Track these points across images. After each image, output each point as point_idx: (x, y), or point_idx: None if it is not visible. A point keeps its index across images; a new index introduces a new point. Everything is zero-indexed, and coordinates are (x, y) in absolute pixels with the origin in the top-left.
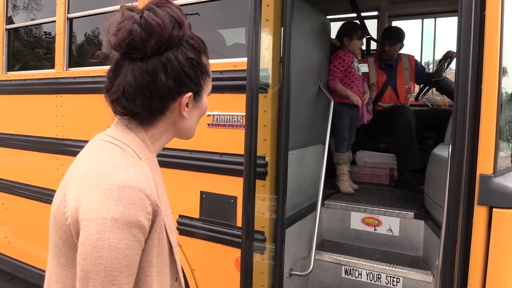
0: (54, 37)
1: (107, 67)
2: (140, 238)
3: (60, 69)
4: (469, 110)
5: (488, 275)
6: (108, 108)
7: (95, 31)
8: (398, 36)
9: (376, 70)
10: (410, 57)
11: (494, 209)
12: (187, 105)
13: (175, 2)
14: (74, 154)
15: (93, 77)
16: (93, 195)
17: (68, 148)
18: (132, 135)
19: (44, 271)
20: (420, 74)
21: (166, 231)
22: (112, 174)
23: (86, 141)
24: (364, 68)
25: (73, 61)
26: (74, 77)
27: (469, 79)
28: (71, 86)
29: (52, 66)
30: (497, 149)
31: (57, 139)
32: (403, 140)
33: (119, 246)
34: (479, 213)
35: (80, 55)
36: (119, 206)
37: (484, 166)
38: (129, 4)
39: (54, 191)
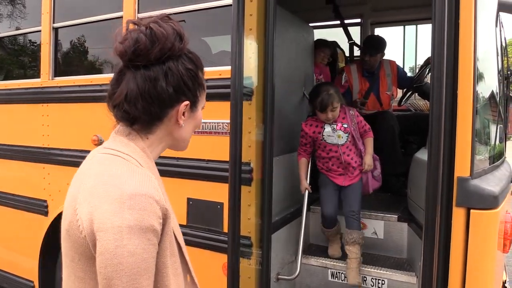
0: (39, 46)
1: (92, 76)
2: (155, 242)
3: (46, 78)
4: (446, 115)
5: (468, 274)
6: (110, 114)
7: (81, 40)
8: (377, 46)
9: (359, 78)
10: (391, 63)
11: (471, 210)
12: (183, 114)
13: (163, 11)
14: (61, 163)
15: (79, 86)
16: (105, 206)
17: (55, 157)
18: (132, 146)
19: (30, 280)
20: (402, 79)
21: (174, 233)
22: (120, 184)
23: (73, 150)
24: (335, 138)
25: (59, 70)
26: (60, 86)
27: (443, 85)
28: (57, 95)
29: (38, 76)
30: (473, 152)
31: (44, 148)
32: (387, 145)
33: (137, 251)
34: (458, 214)
35: (66, 64)
36: (133, 213)
37: (461, 168)
38: (134, 19)
39: (41, 200)
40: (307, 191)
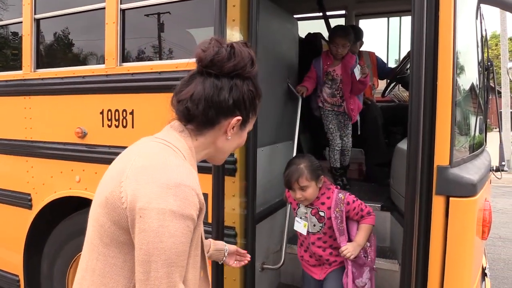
0: (21, 38)
1: (75, 68)
2: (192, 229)
3: (28, 71)
4: (425, 105)
5: (447, 260)
6: (171, 107)
7: (63, 32)
8: (356, 34)
9: None
10: (370, 54)
11: (451, 198)
12: (233, 127)
13: (146, 2)
14: (44, 156)
15: (62, 78)
16: (152, 188)
17: (38, 150)
18: (183, 142)
19: (15, 275)
20: (381, 69)
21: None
22: (169, 172)
23: (56, 143)
24: (308, 226)
25: (41, 62)
26: (42, 78)
27: (422, 77)
28: (39, 88)
29: (20, 68)
30: (453, 141)
31: (26, 141)
32: (370, 135)
33: (177, 233)
34: (437, 202)
35: (48, 56)
36: (177, 200)
37: (440, 157)
38: (218, 37)
39: (25, 194)
40: None
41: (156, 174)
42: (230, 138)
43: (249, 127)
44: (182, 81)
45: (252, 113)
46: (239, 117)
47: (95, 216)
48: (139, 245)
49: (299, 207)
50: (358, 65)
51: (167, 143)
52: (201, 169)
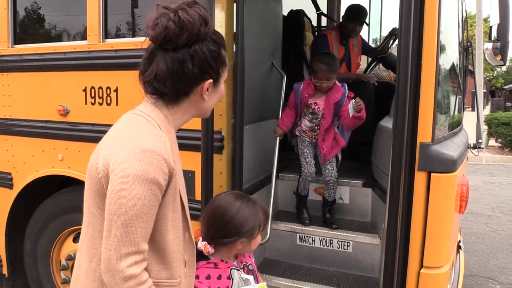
0: None
1: (55, 44)
2: (157, 193)
3: (5, 46)
4: (410, 84)
5: (428, 232)
6: (140, 87)
7: (43, 6)
8: (366, 15)
9: (338, 45)
10: None
11: (432, 174)
12: (207, 89)
13: None
14: (24, 134)
15: (41, 54)
16: (121, 155)
17: (18, 128)
18: (157, 111)
19: None
20: (366, 48)
21: (180, 192)
22: (137, 139)
23: (37, 121)
24: None
25: (19, 38)
26: (20, 55)
27: (409, 56)
28: (17, 64)
29: None
30: (435, 119)
31: (5, 119)
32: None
33: (138, 196)
34: (419, 178)
35: (27, 31)
36: (141, 165)
37: (423, 135)
38: (165, 3)
39: (5, 173)
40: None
41: (125, 142)
42: (207, 99)
43: (223, 78)
44: (143, 59)
45: (221, 68)
46: (210, 80)
47: (85, 189)
48: (106, 205)
49: (232, 280)
50: (352, 101)
51: (142, 113)
52: (189, 147)
